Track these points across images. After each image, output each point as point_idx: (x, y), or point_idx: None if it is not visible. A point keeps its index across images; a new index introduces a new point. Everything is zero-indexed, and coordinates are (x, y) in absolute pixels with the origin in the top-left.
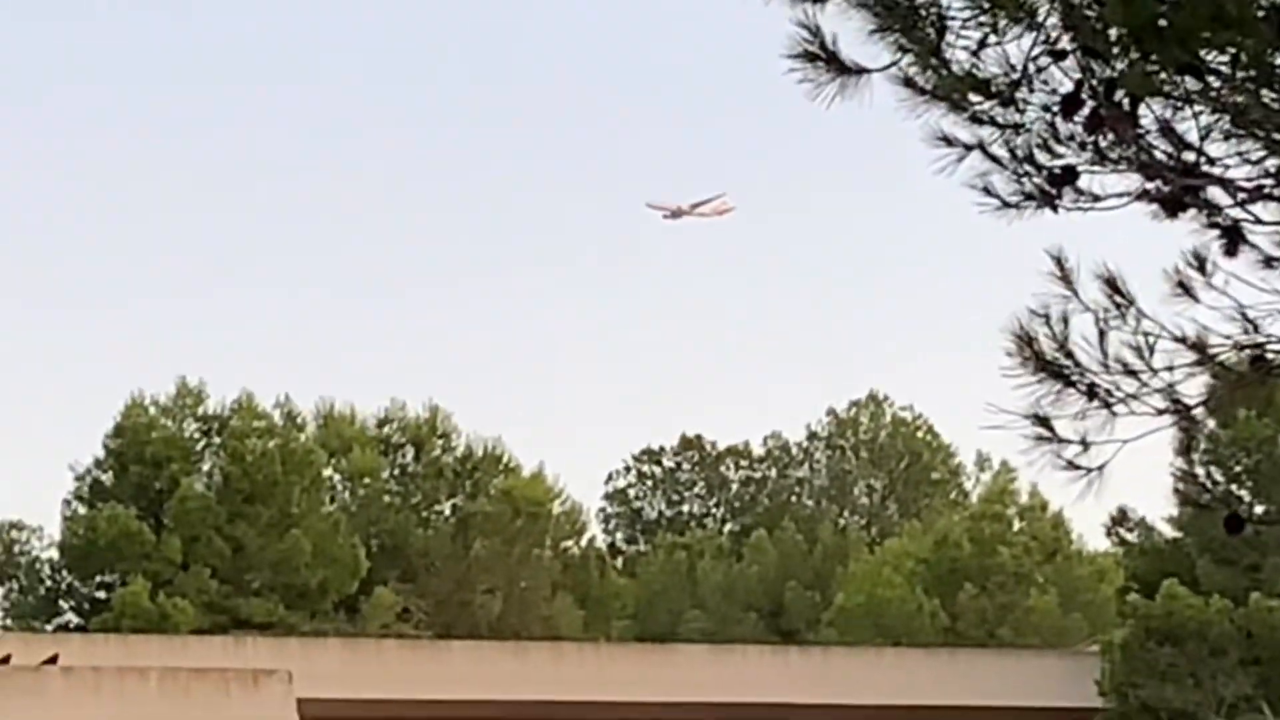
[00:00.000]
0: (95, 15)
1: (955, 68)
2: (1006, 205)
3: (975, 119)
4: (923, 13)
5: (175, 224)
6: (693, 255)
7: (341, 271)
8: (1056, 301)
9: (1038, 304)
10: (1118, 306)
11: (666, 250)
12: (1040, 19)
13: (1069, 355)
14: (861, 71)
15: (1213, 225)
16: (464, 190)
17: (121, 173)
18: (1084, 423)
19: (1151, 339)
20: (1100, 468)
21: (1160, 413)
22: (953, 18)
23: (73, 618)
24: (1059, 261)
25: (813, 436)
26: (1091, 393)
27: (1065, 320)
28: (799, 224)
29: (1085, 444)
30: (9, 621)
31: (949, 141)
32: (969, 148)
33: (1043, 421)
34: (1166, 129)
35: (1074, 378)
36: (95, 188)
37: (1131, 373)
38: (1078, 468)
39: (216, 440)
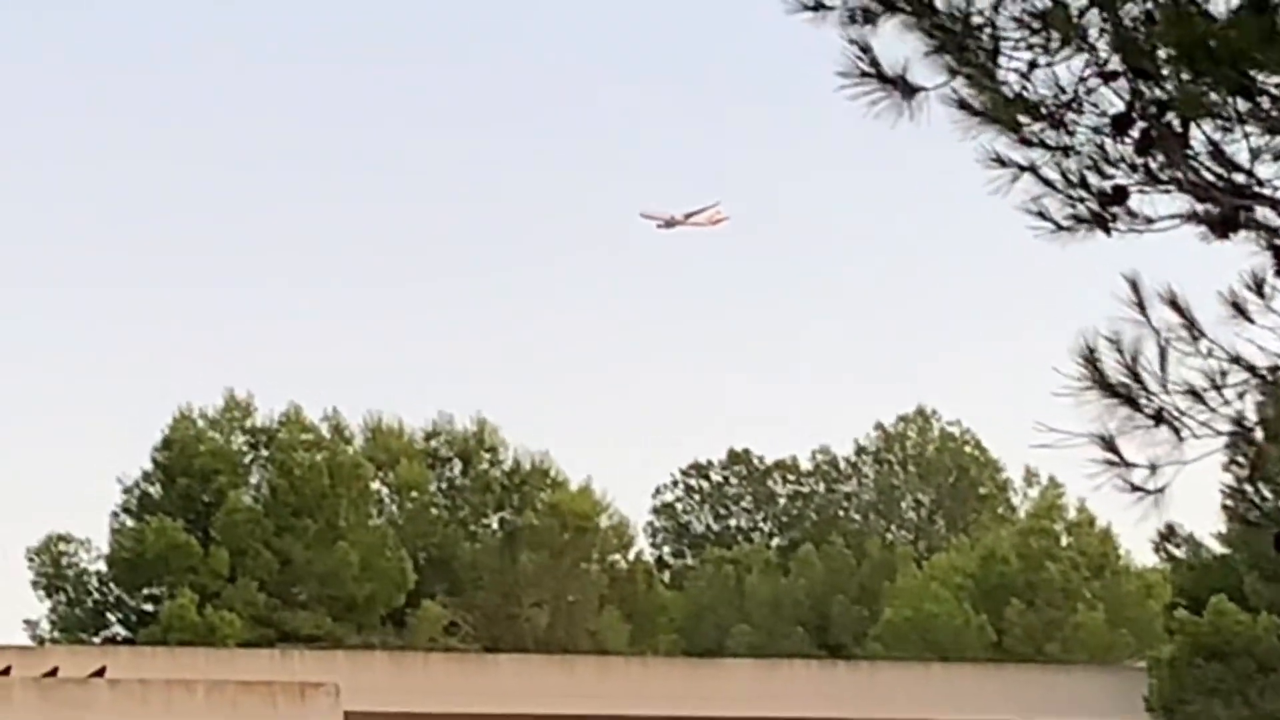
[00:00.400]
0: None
1: (1006, 90)
2: (1060, 228)
3: (1026, 141)
4: (976, 34)
5: (224, 237)
6: (739, 267)
7: (389, 285)
8: (1127, 325)
9: (1106, 327)
10: (1187, 329)
11: (710, 263)
12: (1091, 40)
13: (1137, 379)
14: (916, 90)
15: (1271, 247)
16: (512, 204)
17: (170, 187)
18: (1153, 448)
19: (1217, 362)
20: (1162, 489)
21: (1223, 435)
22: (1005, 39)
23: (120, 630)
24: (1133, 285)
25: (860, 451)
26: (1159, 417)
27: (1137, 346)
28: (845, 237)
29: (1153, 468)
30: (57, 634)
31: (1002, 163)
32: (1022, 169)
33: (1109, 445)
34: (1217, 150)
35: (1141, 402)
36: (144, 202)
37: (1196, 395)
38: (1142, 490)
39: (264, 453)
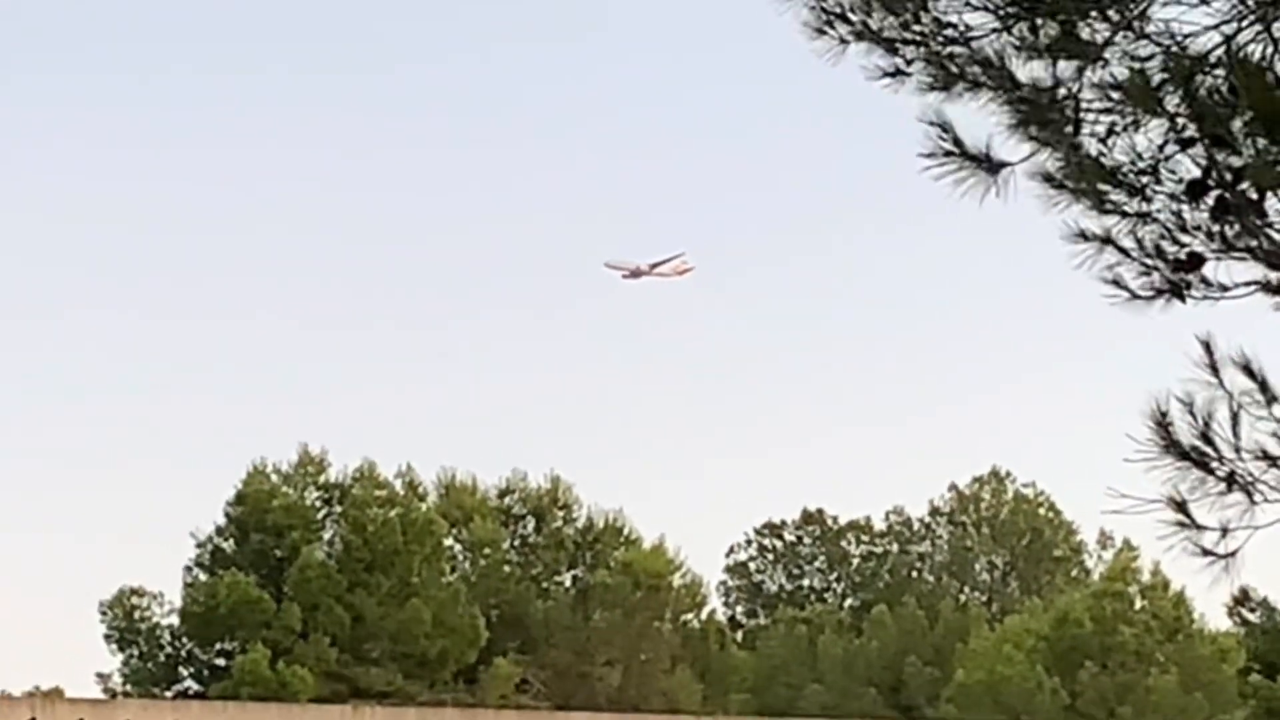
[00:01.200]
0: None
1: (1086, 157)
2: (1136, 297)
3: (1105, 210)
4: (1060, 105)
5: (299, 292)
6: (813, 325)
7: (465, 343)
8: (1199, 388)
9: (1179, 390)
10: (1260, 393)
11: (785, 323)
12: (1169, 107)
13: (1209, 443)
14: (1001, 165)
15: None
16: (583, 266)
17: (243, 239)
18: (1225, 512)
19: None
20: (1233, 554)
21: None
22: (1086, 110)
23: (192, 684)
24: (1207, 347)
25: (935, 512)
26: (1231, 481)
27: (1210, 411)
28: (920, 298)
29: (1225, 531)
30: (129, 687)
31: (1085, 237)
32: (1102, 241)
33: (1181, 508)
34: None
35: (1214, 465)
36: (220, 255)
37: (1269, 458)
38: (1214, 555)
39: (338, 509)
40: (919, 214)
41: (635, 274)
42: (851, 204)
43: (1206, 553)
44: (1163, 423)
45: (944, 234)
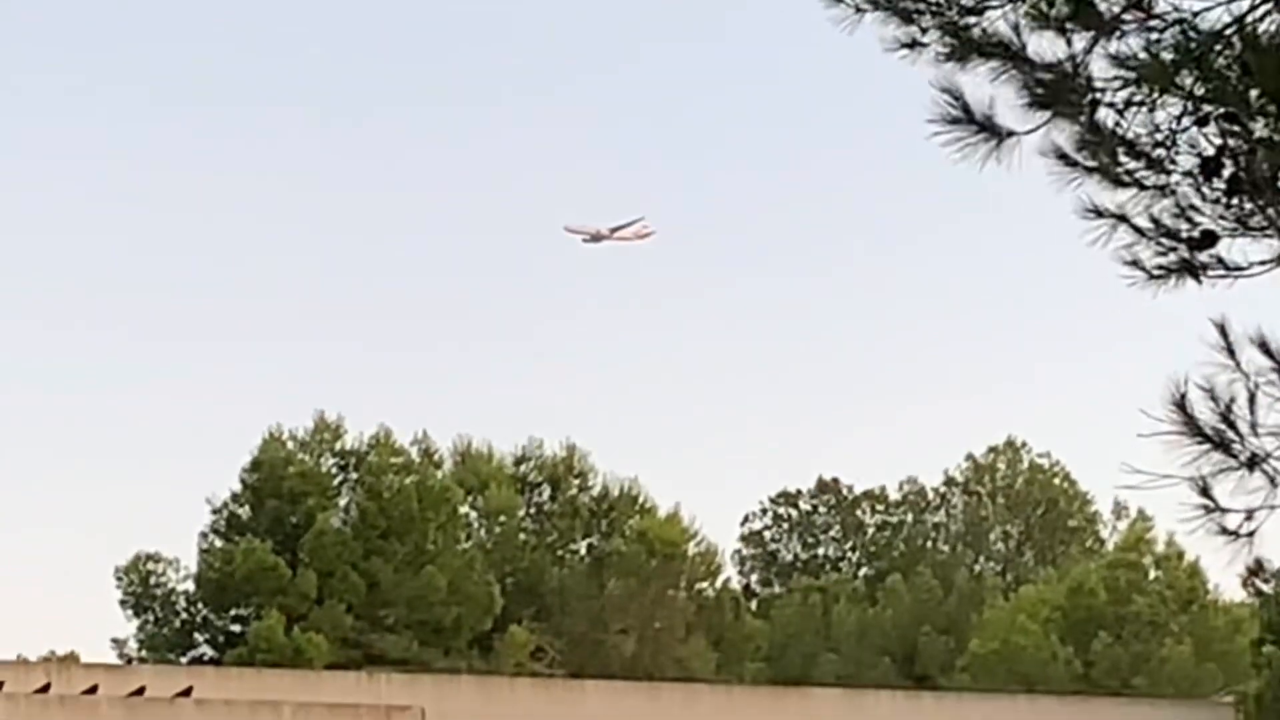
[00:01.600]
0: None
1: (1103, 128)
2: (1152, 277)
3: (1120, 182)
4: (1073, 80)
5: (314, 260)
6: (838, 304)
7: (480, 308)
8: (1218, 371)
9: (1197, 372)
10: (1277, 373)
11: (802, 295)
12: (1186, 87)
13: (1231, 425)
14: (1008, 135)
15: None
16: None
17: (260, 207)
18: (1247, 496)
19: None
20: (1253, 533)
21: None
22: (1101, 89)
23: (207, 650)
24: (1222, 330)
25: (949, 482)
26: (1252, 462)
27: (1231, 395)
28: (934, 270)
29: (1249, 514)
30: (144, 653)
31: (1099, 214)
32: (1117, 219)
33: (1204, 491)
34: None
35: (1235, 448)
36: (234, 225)
37: None
38: (1236, 534)
39: (353, 476)
40: (935, 181)
41: (596, 238)
42: (859, 172)
43: (1228, 533)
44: (1183, 405)
45: (961, 200)
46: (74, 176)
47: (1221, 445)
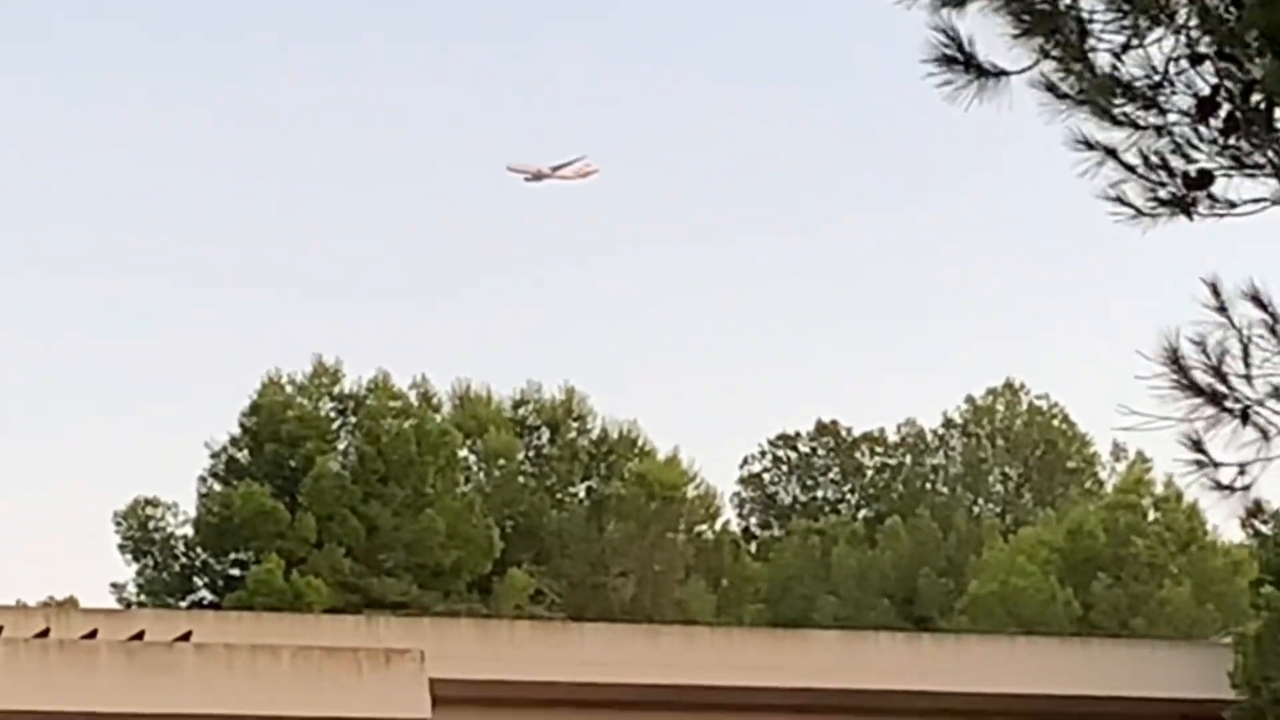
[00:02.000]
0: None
1: (1098, 70)
2: (1141, 214)
3: (1115, 121)
4: (1066, 17)
5: (311, 204)
6: (836, 247)
7: (478, 252)
8: (1210, 328)
9: (1189, 325)
10: (1268, 327)
11: (807, 235)
12: (1180, 21)
13: (1223, 379)
14: (1001, 74)
15: None
16: (608, 172)
17: (259, 152)
18: (1240, 451)
19: None
20: (1248, 487)
21: None
22: (1093, 21)
23: (206, 595)
24: (1213, 287)
25: (948, 424)
26: (1245, 415)
27: (1222, 347)
28: (933, 210)
29: (1242, 468)
30: (143, 598)
31: (1090, 145)
32: (1108, 152)
33: (1198, 446)
34: None
35: (1227, 403)
36: (234, 166)
37: None
38: (1230, 488)
39: (352, 419)
40: (932, 119)
41: (538, 176)
42: (859, 114)
43: (1223, 488)
44: (1176, 360)
45: (954, 136)
46: (69, 121)
47: (1214, 399)
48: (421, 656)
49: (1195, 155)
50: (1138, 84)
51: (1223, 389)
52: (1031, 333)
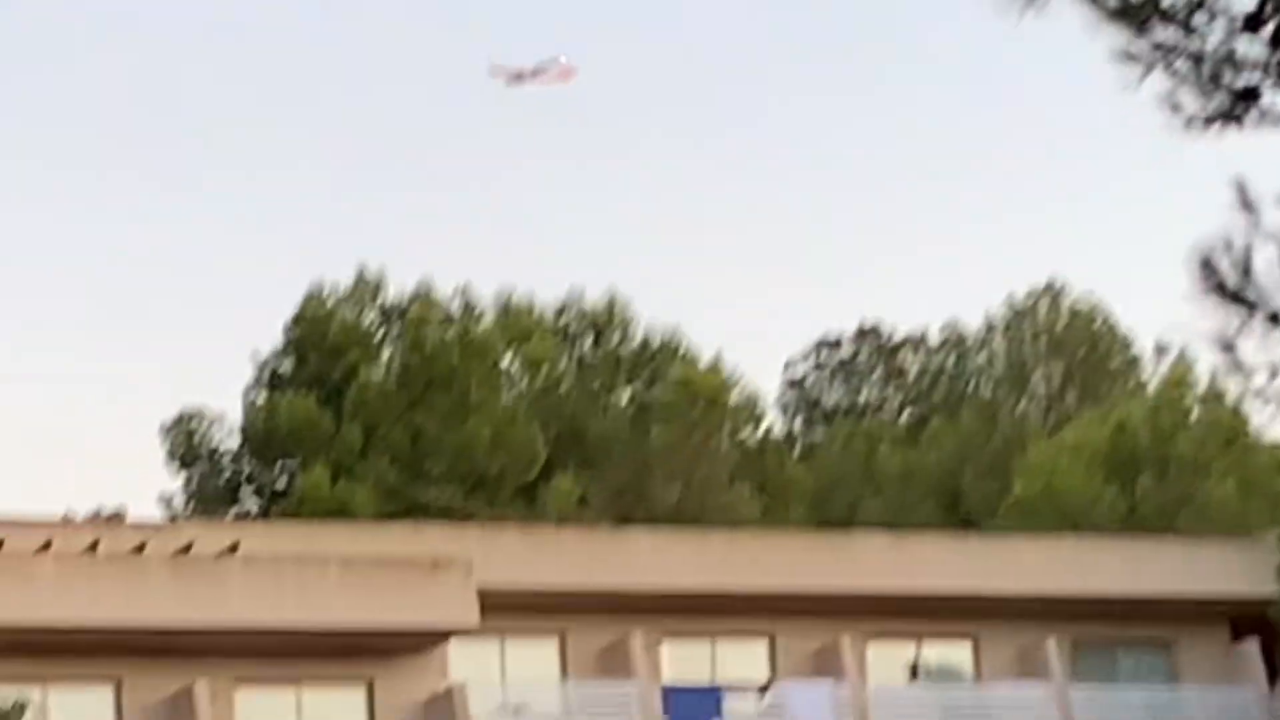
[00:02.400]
0: None
1: None
2: (1192, 123)
3: (1155, 46)
4: None
5: (355, 114)
6: (877, 145)
7: (520, 158)
8: (1239, 231)
9: (1219, 231)
10: None
11: (842, 134)
12: None
13: (1252, 281)
14: None
15: None
16: (642, 82)
17: (300, 63)
18: (1272, 350)
19: None
20: None
21: None
22: None
23: (254, 505)
24: (1241, 189)
25: (990, 326)
26: (1275, 319)
27: (1249, 250)
28: (971, 113)
29: (1275, 373)
30: (190, 509)
31: (1134, 58)
32: (1153, 64)
33: (1229, 349)
34: None
35: (1258, 306)
36: (275, 80)
37: None
38: (1264, 396)
39: (396, 329)
40: (966, 10)
41: (519, 78)
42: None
43: (1258, 394)
44: (1208, 264)
45: (997, 37)
46: (103, 46)
47: (1244, 302)
48: (469, 564)
49: (1241, 73)
50: (1176, 6)
51: (1251, 292)
52: (1073, 231)
